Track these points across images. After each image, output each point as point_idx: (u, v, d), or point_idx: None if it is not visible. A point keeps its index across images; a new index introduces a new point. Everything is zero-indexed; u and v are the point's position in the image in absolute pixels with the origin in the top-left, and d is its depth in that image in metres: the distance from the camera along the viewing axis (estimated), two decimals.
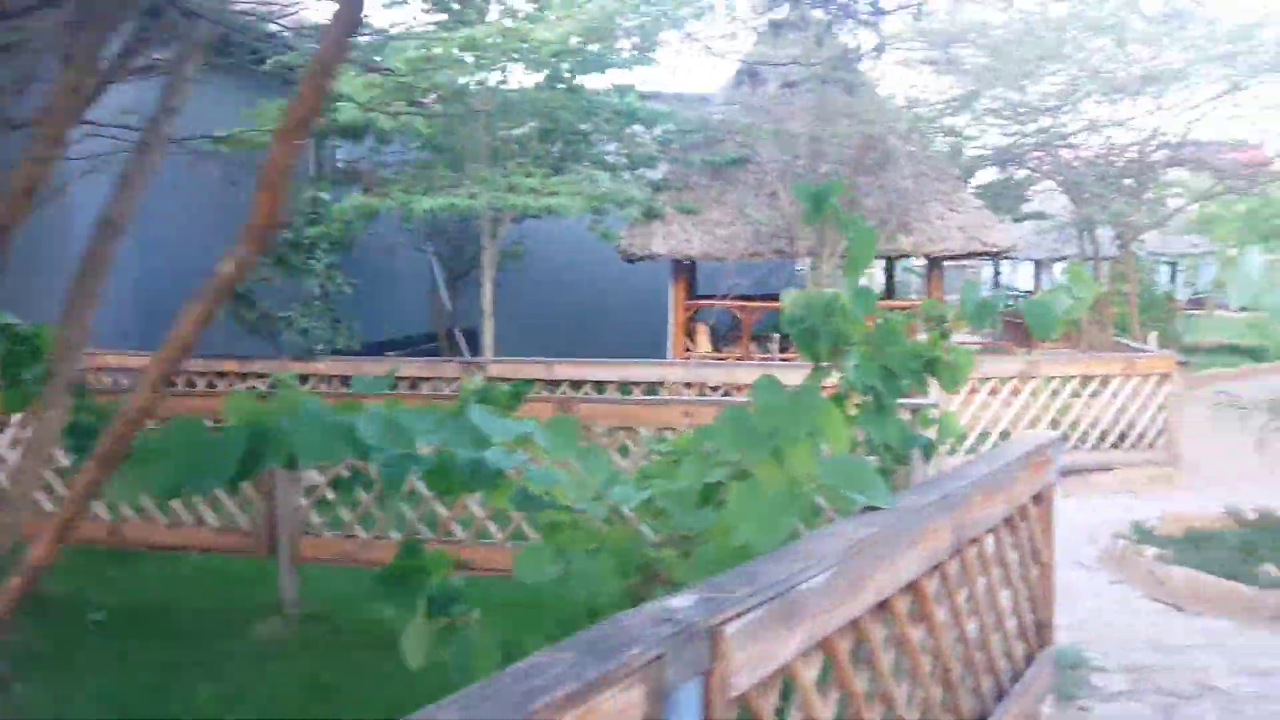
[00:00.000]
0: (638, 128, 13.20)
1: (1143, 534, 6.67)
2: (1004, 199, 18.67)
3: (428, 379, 8.22)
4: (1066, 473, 8.86)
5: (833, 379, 3.17)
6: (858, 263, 2.92)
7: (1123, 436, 8.88)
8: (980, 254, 12.04)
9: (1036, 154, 15.18)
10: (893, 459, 3.56)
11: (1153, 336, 13.13)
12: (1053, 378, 8.62)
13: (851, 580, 2.18)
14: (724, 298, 14.39)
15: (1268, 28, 12.44)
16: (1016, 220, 18.60)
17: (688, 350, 13.18)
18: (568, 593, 2.63)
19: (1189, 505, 8.29)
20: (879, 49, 10.99)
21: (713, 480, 2.93)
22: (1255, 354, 19.45)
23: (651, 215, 12.36)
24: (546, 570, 2.57)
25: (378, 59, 9.30)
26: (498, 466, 2.34)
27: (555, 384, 8.31)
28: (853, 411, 3.26)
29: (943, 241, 11.69)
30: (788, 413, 2.82)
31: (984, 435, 8.49)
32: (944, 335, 3.45)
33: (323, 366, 8.42)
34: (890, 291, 15.78)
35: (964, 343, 14.23)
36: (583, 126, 12.61)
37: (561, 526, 2.63)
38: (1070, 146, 15.22)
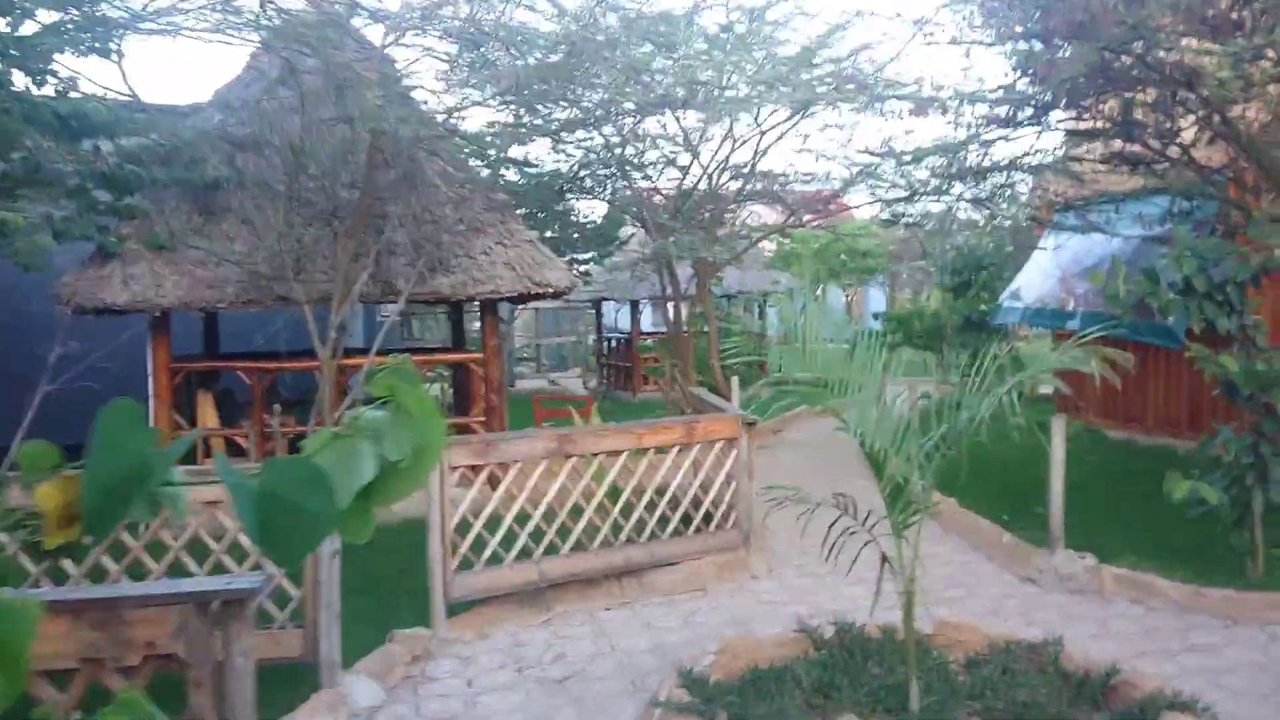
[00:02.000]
0: (105, 142, 9.97)
1: (693, 686, 4.74)
2: (597, 238, 17.32)
3: None
4: (620, 574, 6.99)
5: None
6: None
7: (687, 520, 7.15)
8: (535, 296, 10.13)
9: (610, 185, 13.80)
10: None
11: (735, 381, 11.97)
12: (596, 454, 6.68)
13: None
14: (232, 358, 11.49)
15: (825, 51, 11.78)
16: (602, 259, 17.29)
17: (179, 429, 10.06)
18: None
19: (764, 603, 6.68)
20: (390, 42, 8.73)
21: None
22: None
23: (107, 254, 9.20)
24: None
25: None
26: None
27: None
28: None
29: (490, 282, 9.62)
30: None
31: (509, 538, 6.34)
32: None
33: None
34: (459, 341, 13.56)
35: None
36: (25, 141, 9.21)
37: None
38: (647, 177, 13.98)
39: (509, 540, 6.31)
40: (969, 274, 14.02)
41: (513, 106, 9.31)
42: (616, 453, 6.73)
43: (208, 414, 10.67)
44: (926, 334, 14.36)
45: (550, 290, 9.86)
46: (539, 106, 9.63)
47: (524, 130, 10.02)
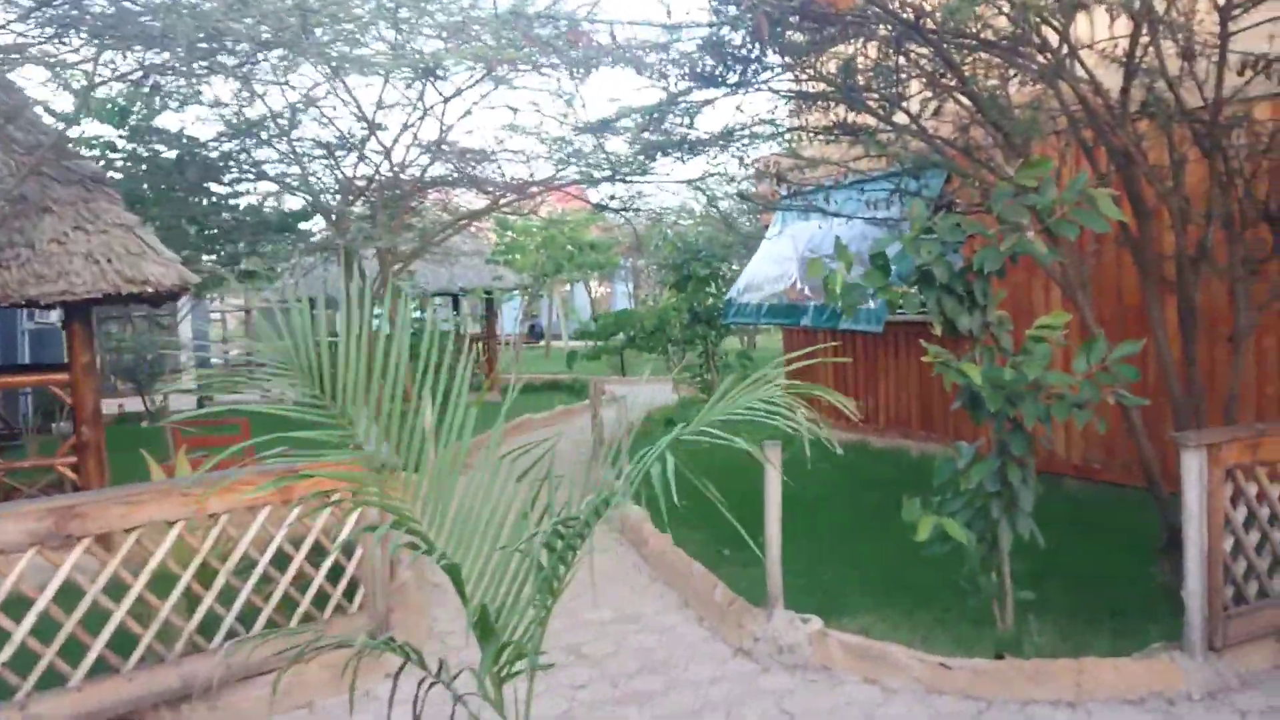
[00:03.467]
0: None
1: None
2: (270, 228, 14.74)
3: None
4: (179, 700, 4.88)
5: None
6: None
7: (289, 609, 5.14)
8: (133, 298, 7.75)
9: (271, 161, 11.48)
10: None
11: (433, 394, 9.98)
12: (132, 529, 4.53)
13: None
14: None
15: (533, 6, 10.00)
16: (288, 252, 14.75)
17: None
18: None
19: None
20: None
21: None
22: (578, 390, 17.86)
23: None
24: None
25: None
26: None
27: None
28: None
29: (59, 280, 7.15)
30: None
31: None
32: None
33: None
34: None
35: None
36: None
37: None
38: (331, 155, 11.72)
39: None
40: (688, 266, 12.75)
41: (76, 41, 6.89)
42: (166, 525, 4.63)
43: None
44: (650, 334, 12.97)
45: (150, 289, 7.50)
46: (113, 41, 7.22)
47: (123, 80, 7.58)
